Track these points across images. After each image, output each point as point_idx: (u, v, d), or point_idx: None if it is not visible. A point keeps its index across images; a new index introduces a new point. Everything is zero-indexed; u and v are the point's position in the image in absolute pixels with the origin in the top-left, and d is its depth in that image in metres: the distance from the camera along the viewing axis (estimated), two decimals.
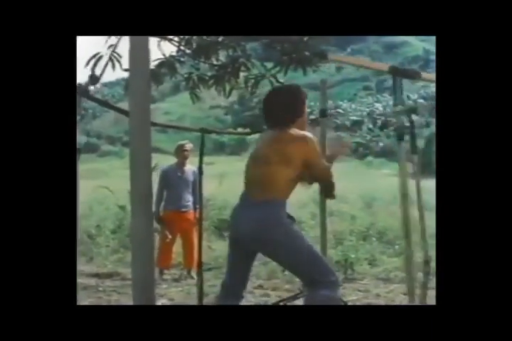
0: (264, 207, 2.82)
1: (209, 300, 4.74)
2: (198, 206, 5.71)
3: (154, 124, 4.40)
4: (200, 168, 4.16)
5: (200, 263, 4.03)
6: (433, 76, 3.01)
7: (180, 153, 6.15)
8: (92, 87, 2.91)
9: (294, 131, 2.88)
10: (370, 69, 3.11)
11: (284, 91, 3.13)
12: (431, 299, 2.93)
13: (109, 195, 8.71)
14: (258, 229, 2.79)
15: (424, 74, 2.90)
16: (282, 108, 2.98)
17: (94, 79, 2.97)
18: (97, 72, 3.08)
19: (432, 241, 4.99)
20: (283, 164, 2.82)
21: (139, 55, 2.23)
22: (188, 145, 6.17)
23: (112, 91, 67.58)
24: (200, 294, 3.98)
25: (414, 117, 3.86)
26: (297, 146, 2.83)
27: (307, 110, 3.08)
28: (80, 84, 2.81)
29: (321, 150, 3.05)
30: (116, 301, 4.96)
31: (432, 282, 3.10)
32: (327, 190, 3.18)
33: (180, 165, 6.14)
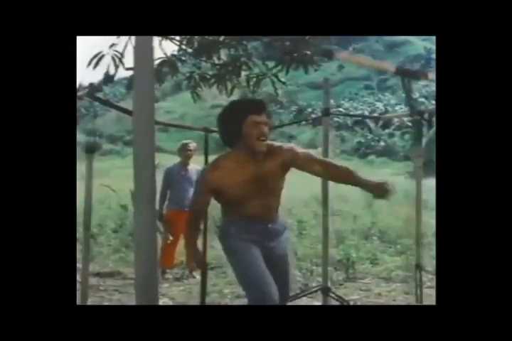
0: None
1: (211, 299, 4.75)
2: None
3: (157, 123, 4.40)
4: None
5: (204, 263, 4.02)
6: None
7: (184, 152, 6.12)
8: (106, 86, 2.92)
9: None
10: (377, 68, 3.09)
11: (221, 113, 3.06)
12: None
13: (110, 194, 8.70)
14: None
15: (430, 75, 2.89)
16: (219, 130, 3.00)
17: (108, 78, 2.98)
18: (103, 71, 3.09)
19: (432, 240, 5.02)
20: None
21: (143, 54, 2.23)
22: (192, 145, 6.15)
23: (113, 90, 67.53)
24: (203, 294, 3.98)
25: (417, 118, 3.86)
26: None
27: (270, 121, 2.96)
28: (91, 84, 2.82)
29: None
30: (117, 300, 4.97)
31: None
32: None
33: (184, 164, 6.12)
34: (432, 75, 2.99)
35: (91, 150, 3.11)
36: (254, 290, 2.74)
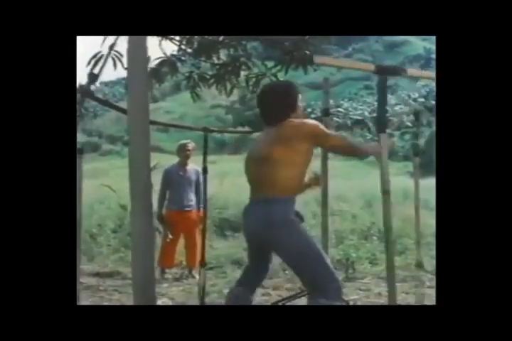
0: (267, 205, 2.81)
1: (210, 299, 4.75)
2: (201, 205, 5.68)
3: (156, 123, 4.41)
4: (204, 168, 4.14)
5: (203, 263, 4.03)
6: (420, 72, 2.99)
7: (183, 152, 6.11)
8: (92, 86, 2.90)
9: (290, 121, 2.89)
10: (357, 69, 3.07)
11: (276, 87, 3.14)
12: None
13: (110, 194, 8.69)
14: (262, 228, 2.80)
15: (409, 71, 2.87)
16: (276, 104, 2.98)
17: (92, 77, 2.97)
18: (96, 70, 3.08)
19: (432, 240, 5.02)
20: (285, 161, 2.80)
21: (137, 54, 2.23)
22: (191, 145, 6.14)
23: (112, 90, 67.55)
24: (202, 294, 3.98)
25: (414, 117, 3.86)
26: (295, 132, 2.83)
27: (303, 108, 3.10)
28: (80, 85, 2.82)
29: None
30: (117, 300, 4.96)
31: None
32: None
33: (183, 164, 6.11)
34: (412, 71, 2.98)
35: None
36: (335, 279, 2.76)
